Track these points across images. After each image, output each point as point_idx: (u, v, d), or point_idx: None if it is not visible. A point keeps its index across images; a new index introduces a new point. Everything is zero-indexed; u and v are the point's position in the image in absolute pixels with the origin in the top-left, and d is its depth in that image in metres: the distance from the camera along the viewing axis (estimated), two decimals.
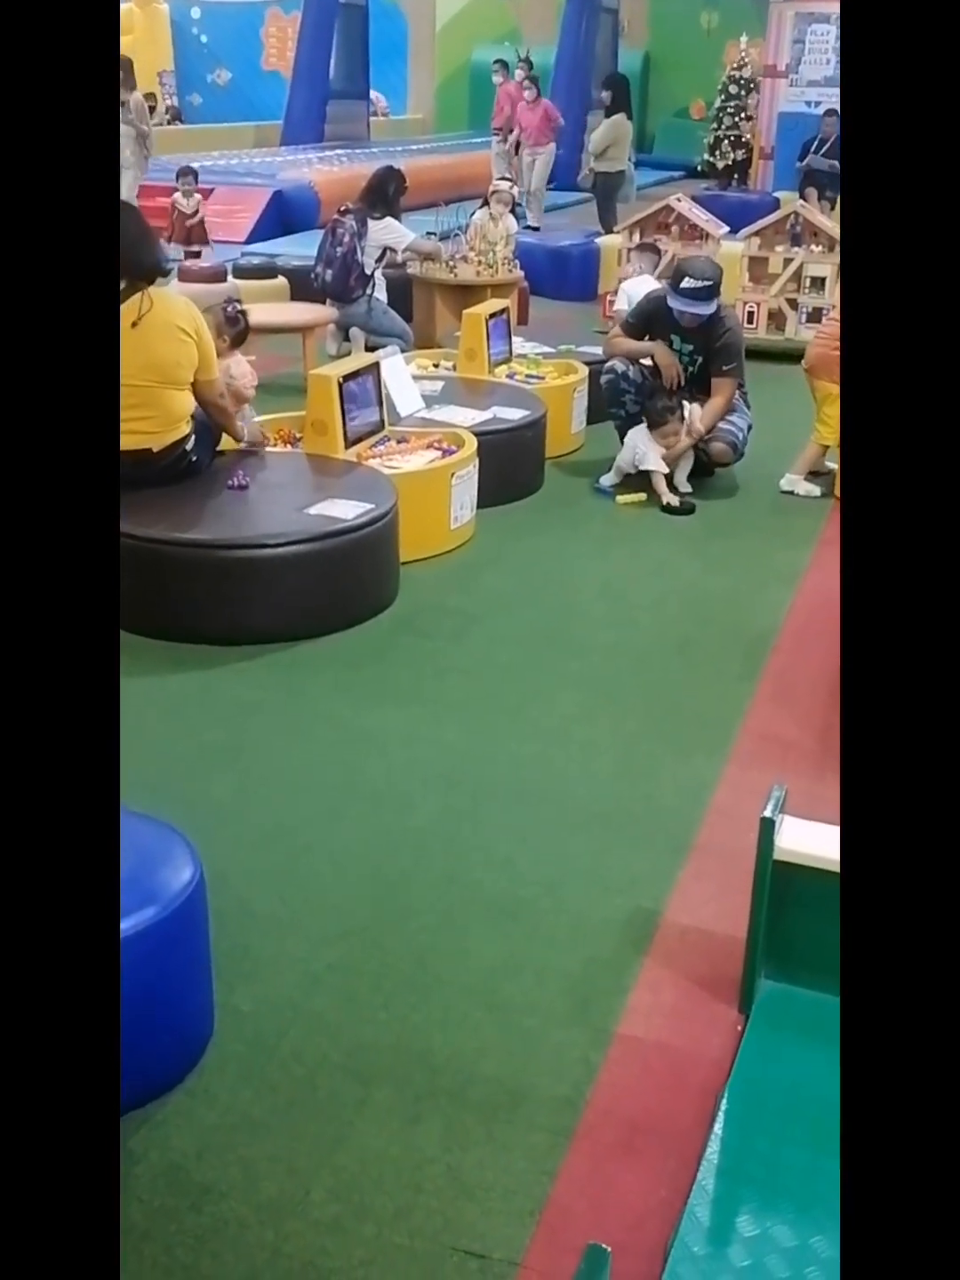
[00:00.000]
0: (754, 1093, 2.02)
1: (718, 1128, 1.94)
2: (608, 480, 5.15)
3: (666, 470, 5.03)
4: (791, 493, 5.16)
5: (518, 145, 11.70)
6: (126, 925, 1.85)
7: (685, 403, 5.07)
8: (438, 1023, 2.17)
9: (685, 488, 5.11)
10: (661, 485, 5.01)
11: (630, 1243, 1.74)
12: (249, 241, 9.79)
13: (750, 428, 5.23)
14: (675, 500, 4.98)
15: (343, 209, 6.92)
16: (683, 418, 5.03)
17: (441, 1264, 1.72)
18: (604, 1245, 1.25)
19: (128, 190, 7.22)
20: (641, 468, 5.04)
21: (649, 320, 5.22)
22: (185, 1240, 1.74)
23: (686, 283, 4.97)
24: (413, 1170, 1.87)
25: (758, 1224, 1.76)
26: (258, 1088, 2.02)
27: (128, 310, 3.75)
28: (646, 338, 5.22)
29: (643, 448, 5.03)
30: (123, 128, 7.26)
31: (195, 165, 9.30)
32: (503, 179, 8.43)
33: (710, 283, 4.98)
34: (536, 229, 10.65)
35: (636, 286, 6.70)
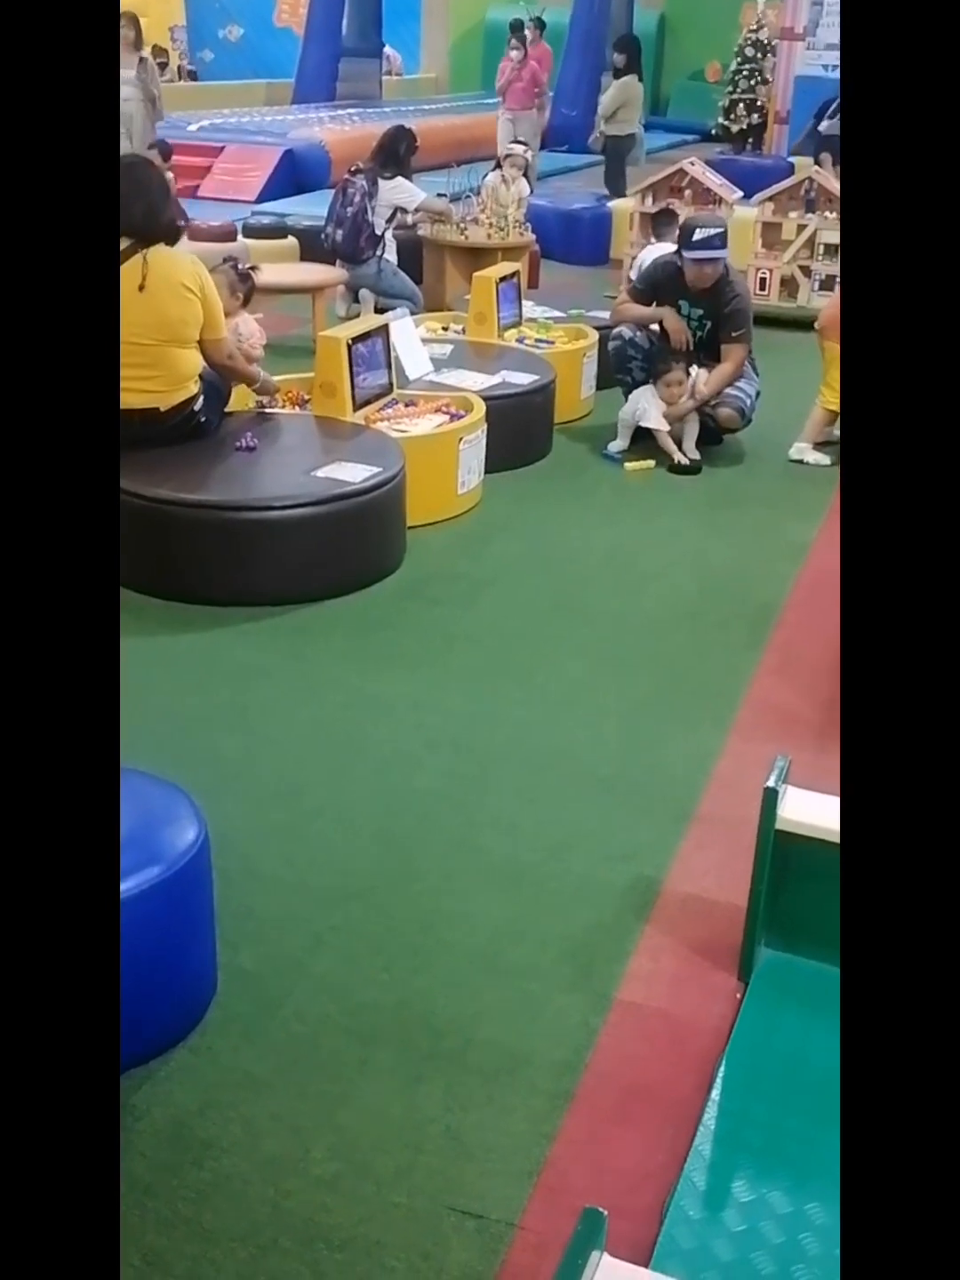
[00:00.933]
0: (752, 1060, 2.04)
1: (715, 1094, 1.95)
2: (616, 447, 5.13)
3: (667, 428, 5.01)
4: (800, 462, 5.13)
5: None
6: (131, 884, 1.86)
7: (694, 367, 5.05)
8: (440, 985, 2.19)
9: (693, 454, 5.09)
10: (667, 443, 5.01)
11: (627, 1206, 1.75)
12: (259, 200, 9.72)
13: (759, 394, 5.20)
14: (684, 459, 4.97)
15: (353, 168, 6.86)
16: (688, 372, 5.02)
17: (439, 1223, 1.74)
18: (601, 1208, 1.26)
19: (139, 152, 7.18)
20: (642, 423, 5.03)
21: (656, 286, 5.18)
22: (187, 1194, 1.76)
23: (698, 233, 4.95)
24: (413, 1131, 1.89)
25: (753, 1190, 1.78)
26: (260, 1047, 2.03)
27: (132, 272, 3.72)
28: (654, 304, 5.18)
29: (644, 404, 5.03)
30: (132, 90, 7.14)
31: (203, 123, 9.20)
32: (515, 142, 8.33)
33: (721, 229, 4.97)
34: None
35: (653, 253, 6.68)
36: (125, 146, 7.35)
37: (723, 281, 5.03)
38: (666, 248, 6.37)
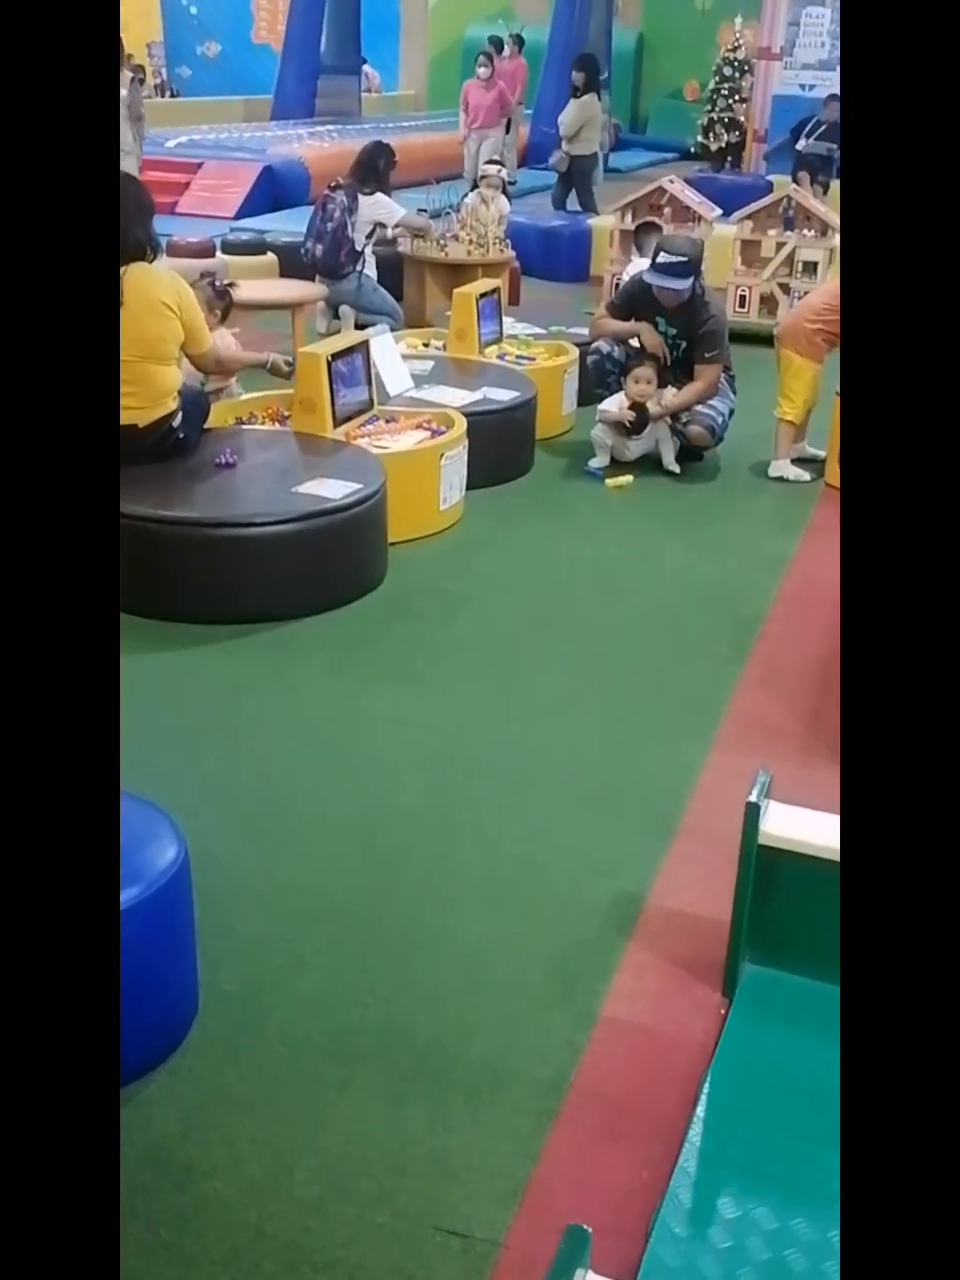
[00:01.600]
0: (737, 1076, 2.03)
1: (700, 1110, 1.94)
2: (596, 463, 5.14)
3: (623, 409, 5.03)
4: (782, 479, 5.15)
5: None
6: None
7: (668, 388, 5.08)
8: (423, 1003, 2.18)
9: (673, 467, 5.11)
10: (617, 436, 5.06)
11: (612, 1224, 1.74)
12: (238, 217, 9.73)
13: (731, 412, 5.22)
14: (628, 417, 5.00)
15: (333, 184, 6.87)
16: (661, 379, 5.05)
17: (424, 1244, 1.73)
18: (585, 1226, 1.25)
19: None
20: (600, 411, 5.08)
21: (634, 302, 5.21)
22: (168, 1219, 1.74)
23: (662, 257, 4.96)
24: (396, 1151, 1.87)
25: (739, 1206, 1.77)
26: (242, 1068, 2.02)
27: None
28: (632, 320, 5.20)
29: (608, 401, 5.07)
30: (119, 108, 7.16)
31: (181, 139, 9.20)
32: (491, 162, 8.35)
33: (685, 259, 4.93)
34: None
35: (638, 270, 6.72)
36: None
37: (697, 302, 5.05)
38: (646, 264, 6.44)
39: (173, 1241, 1.71)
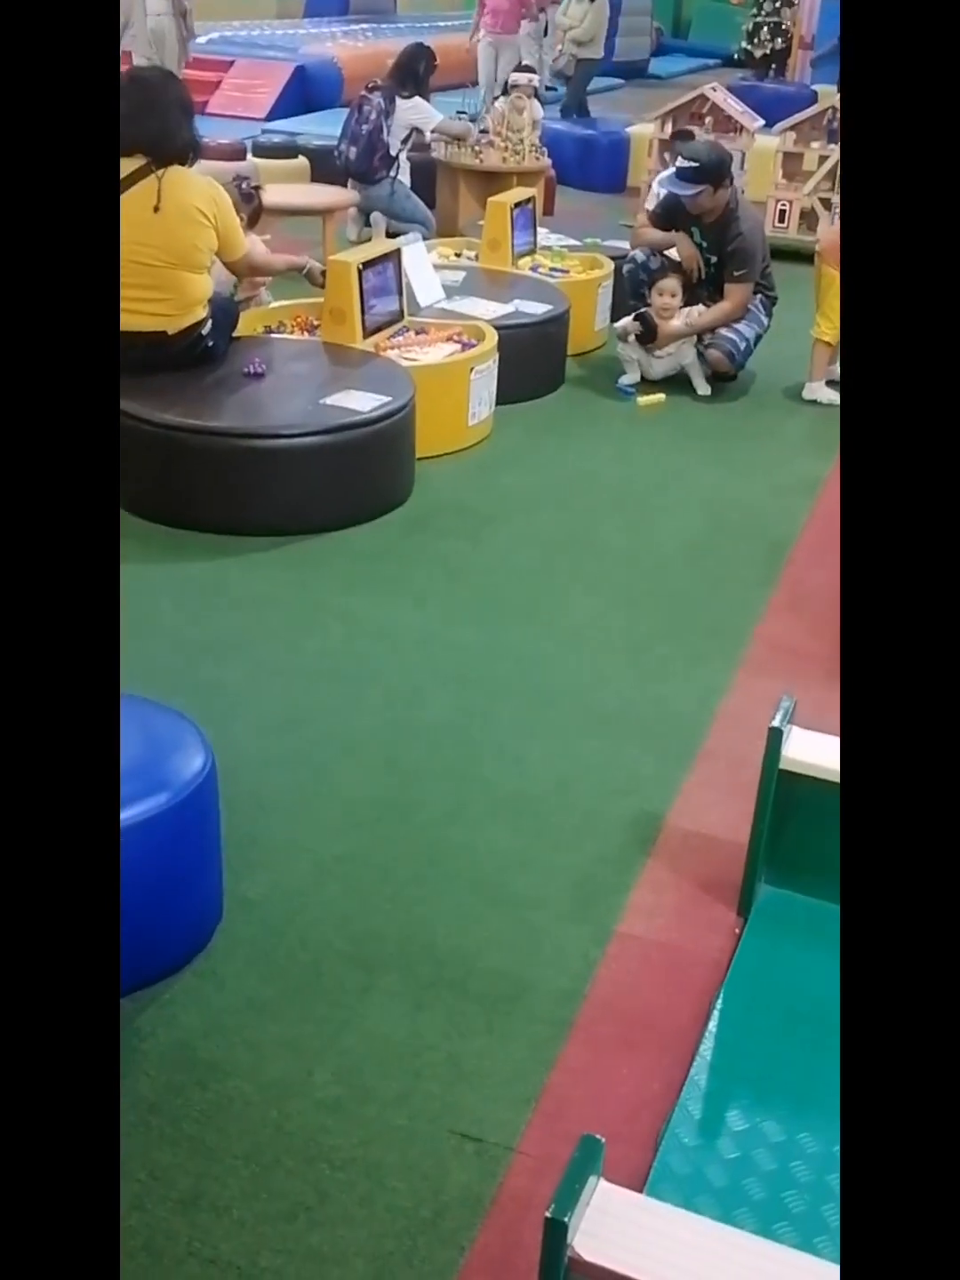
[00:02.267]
0: (750, 993, 2.06)
1: (713, 1026, 1.98)
2: (627, 380, 5.08)
3: (630, 320, 4.97)
4: (815, 401, 5.07)
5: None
6: (138, 812, 1.87)
7: (698, 306, 4.99)
8: (443, 914, 2.21)
9: (704, 390, 5.04)
10: (633, 349, 5.01)
11: (624, 1132, 1.79)
12: (269, 118, 9.54)
13: (759, 338, 5.10)
14: (633, 328, 4.94)
15: (370, 85, 6.71)
16: (688, 293, 4.97)
17: (439, 1146, 1.78)
18: (599, 1136, 1.28)
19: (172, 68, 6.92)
20: (618, 327, 5.03)
21: (670, 213, 5.11)
22: (192, 1114, 1.80)
23: (679, 162, 4.89)
24: (414, 1056, 1.92)
25: (748, 1119, 1.81)
26: (265, 972, 2.06)
27: (147, 193, 3.65)
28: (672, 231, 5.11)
29: (626, 319, 5.01)
30: (162, 3, 6.89)
31: (212, 36, 8.99)
32: (521, 69, 8.04)
33: (697, 165, 4.80)
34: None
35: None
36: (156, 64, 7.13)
37: (730, 216, 4.91)
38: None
39: (196, 1136, 1.77)
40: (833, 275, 4.85)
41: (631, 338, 4.98)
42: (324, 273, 4.36)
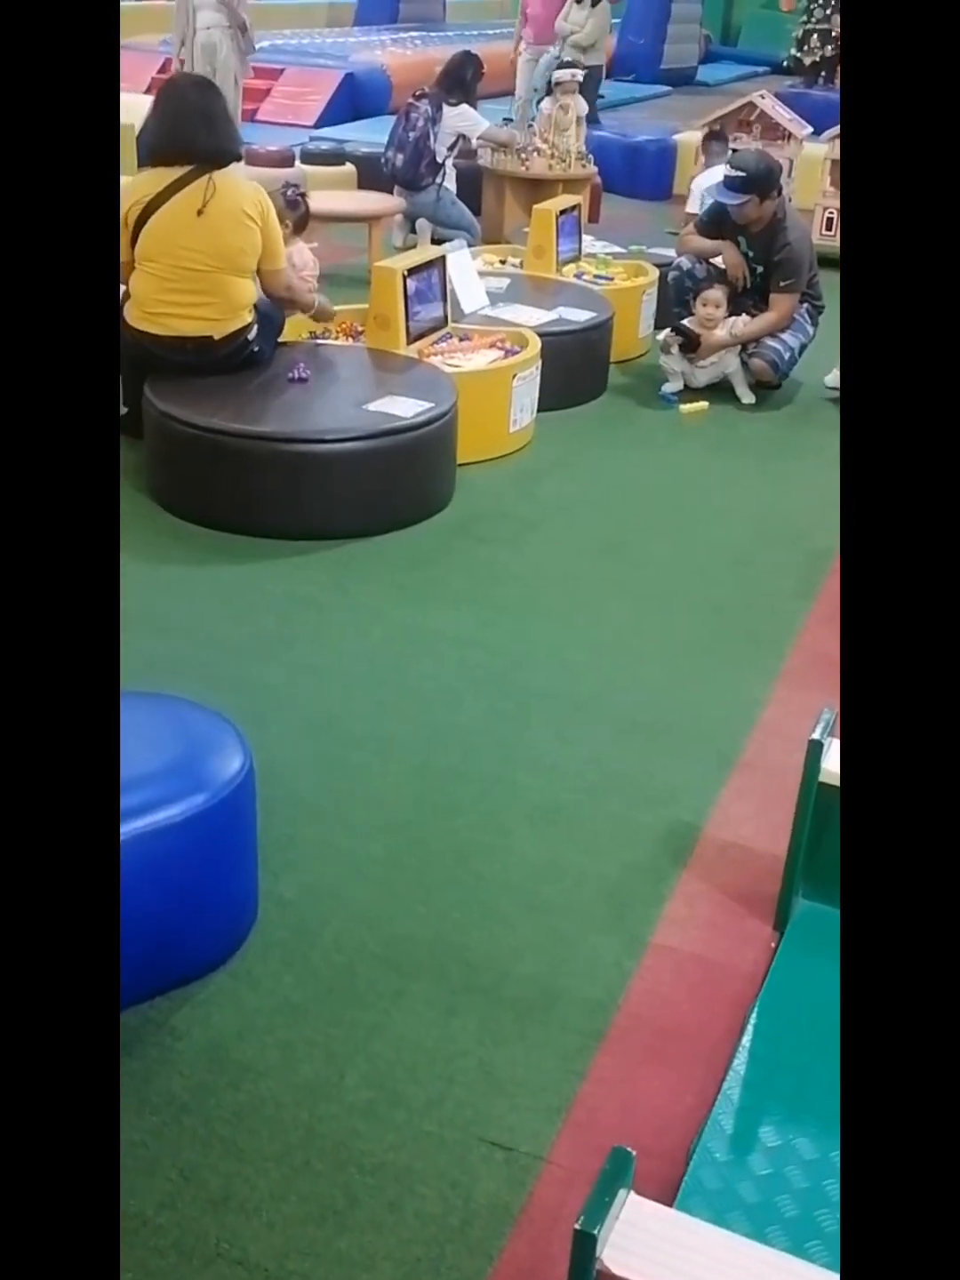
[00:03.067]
0: (785, 1008, 2.04)
1: (747, 1040, 1.96)
2: (670, 388, 5.06)
3: (669, 333, 4.97)
4: (835, 389, 5.03)
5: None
6: (176, 811, 1.88)
7: (743, 316, 4.98)
8: (476, 920, 2.21)
9: (748, 399, 5.02)
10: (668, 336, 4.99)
11: (655, 1146, 1.77)
12: (318, 126, 9.58)
13: (804, 348, 5.07)
14: (673, 340, 4.94)
15: (418, 93, 6.74)
16: (732, 305, 4.95)
17: (469, 1153, 1.77)
18: (629, 1148, 1.27)
19: (230, 88, 6.86)
20: (666, 337, 5.02)
21: (717, 222, 5.09)
22: (223, 1114, 1.80)
23: (726, 173, 4.87)
24: (445, 1062, 1.92)
25: (780, 1136, 1.79)
26: (299, 974, 2.07)
27: (193, 196, 3.69)
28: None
29: (682, 366, 4.99)
30: (214, 15, 6.89)
31: (263, 44, 9.01)
32: (565, 66, 7.96)
33: (743, 175, 4.79)
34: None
35: (708, 180, 6.57)
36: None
37: (777, 226, 4.89)
38: (717, 172, 6.28)
39: (228, 1137, 1.77)
40: None
41: (674, 349, 4.96)
42: (333, 316, 4.38)
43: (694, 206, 7.10)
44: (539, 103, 7.68)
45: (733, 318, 4.98)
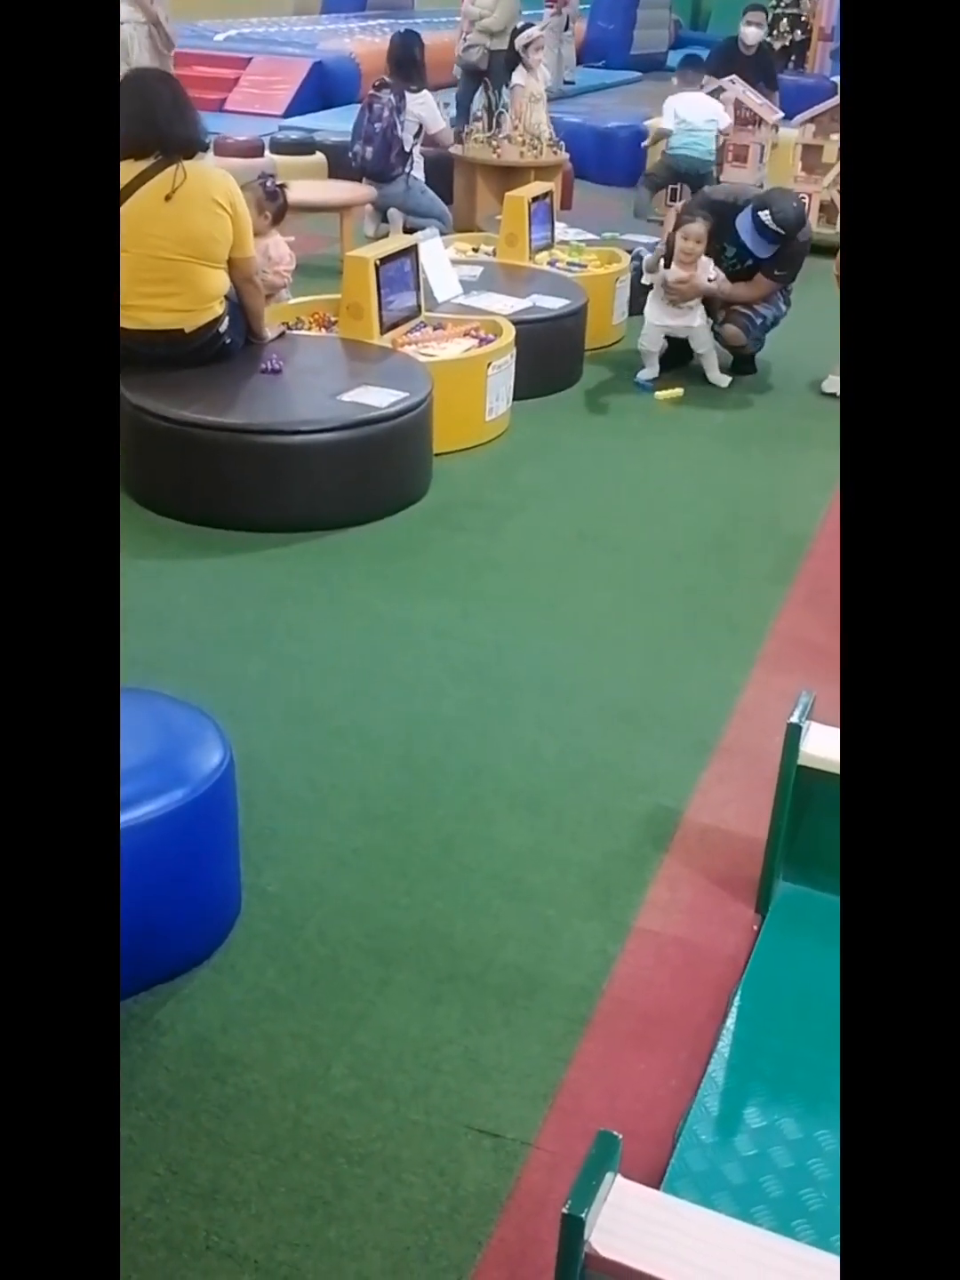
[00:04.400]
0: (767, 990, 2.06)
1: (730, 1022, 1.98)
2: (645, 375, 5.06)
3: (667, 322, 4.92)
4: (834, 395, 5.05)
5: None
6: (157, 805, 1.88)
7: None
8: (460, 909, 2.21)
9: (721, 381, 5.02)
10: (647, 346, 4.95)
11: (640, 1129, 1.78)
12: (287, 115, 9.53)
13: (776, 321, 5.08)
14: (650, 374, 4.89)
15: (378, 83, 6.70)
16: (710, 245, 4.87)
17: (456, 1141, 1.78)
18: (615, 1132, 1.28)
19: None
20: (649, 287, 4.96)
21: (717, 217, 4.89)
22: (209, 1108, 1.80)
23: (765, 216, 4.74)
24: (431, 1050, 1.92)
25: (765, 1116, 1.81)
26: (282, 966, 2.07)
27: (162, 183, 3.67)
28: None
29: (652, 311, 4.94)
30: (128, 9, 6.71)
31: (230, 33, 8.98)
32: (521, 32, 7.70)
33: (784, 232, 4.75)
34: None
35: (682, 103, 6.85)
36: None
37: (791, 245, 4.86)
38: (693, 97, 6.63)
39: (214, 1130, 1.77)
40: None
41: (660, 270, 4.87)
42: (287, 327, 4.31)
43: (668, 123, 7.15)
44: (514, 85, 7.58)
45: (708, 267, 4.88)
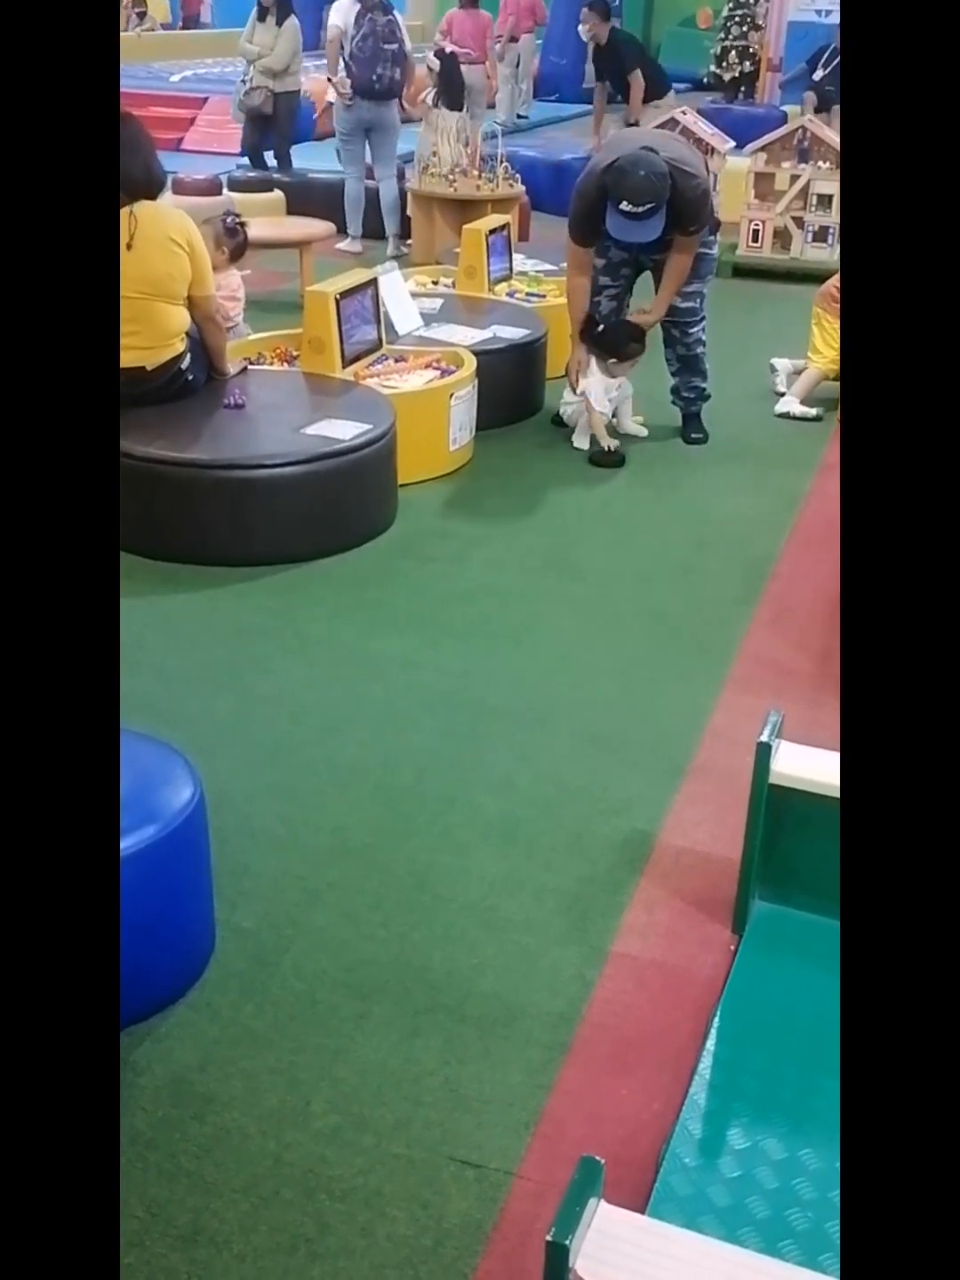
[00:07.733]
0: (747, 1010, 2.06)
1: (710, 1044, 1.97)
2: (590, 442, 4.70)
3: (606, 411, 4.66)
4: (787, 415, 5.11)
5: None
6: (128, 844, 1.86)
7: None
8: (436, 940, 2.20)
9: (632, 428, 4.81)
10: (600, 427, 4.59)
11: (624, 1154, 1.78)
12: (244, 154, 9.57)
13: (706, 390, 4.82)
14: (612, 445, 4.56)
15: (368, 4, 6.74)
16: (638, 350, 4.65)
17: (439, 1173, 1.76)
18: (598, 1157, 1.27)
19: None
20: (590, 398, 4.59)
21: (591, 214, 4.38)
22: (189, 1148, 1.78)
23: (624, 205, 4.17)
24: (411, 1083, 1.91)
25: (748, 1137, 1.80)
26: (259, 1002, 2.05)
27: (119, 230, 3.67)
28: (592, 243, 4.53)
29: (596, 388, 4.61)
30: None
31: (186, 74, 9.04)
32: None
33: (652, 204, 4.16)
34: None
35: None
36: None
37: (678, 183, 4.22)
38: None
39: (194, 1170, 1.75)
40: (824, 318, 4.94)
41: (593, 370, 4.61)
42: (247, 363, 4.29)
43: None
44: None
45: (641, 315, 4.64)
